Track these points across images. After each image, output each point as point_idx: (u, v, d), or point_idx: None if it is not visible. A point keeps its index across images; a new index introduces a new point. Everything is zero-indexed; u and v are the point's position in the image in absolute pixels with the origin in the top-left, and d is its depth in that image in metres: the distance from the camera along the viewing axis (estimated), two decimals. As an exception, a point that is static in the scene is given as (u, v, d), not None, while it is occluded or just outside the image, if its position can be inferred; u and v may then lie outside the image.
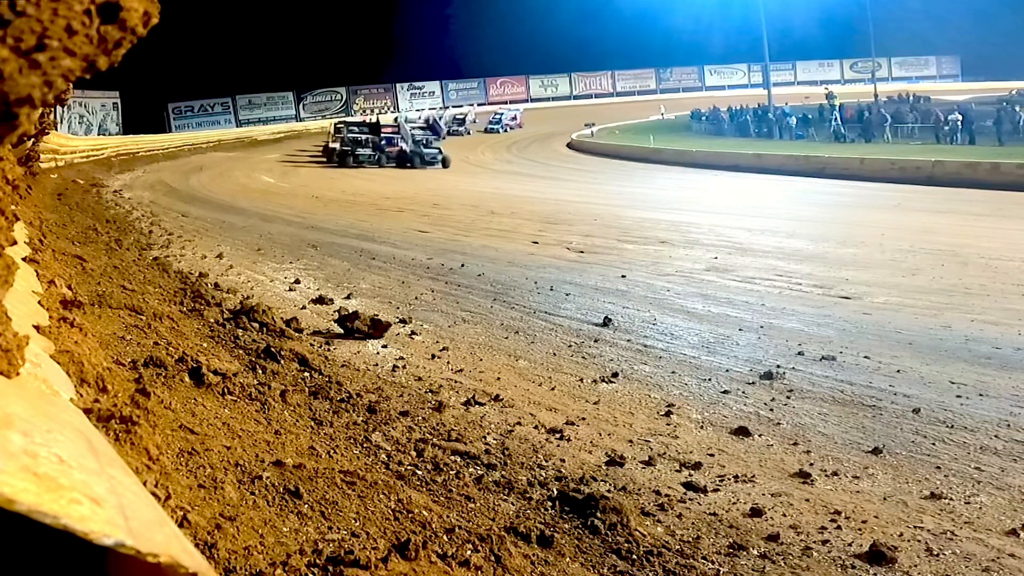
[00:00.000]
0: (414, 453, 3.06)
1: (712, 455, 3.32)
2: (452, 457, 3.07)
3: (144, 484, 1.56)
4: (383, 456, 2.99)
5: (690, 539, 2.60)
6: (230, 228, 11.01)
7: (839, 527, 2.72)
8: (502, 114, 44.87)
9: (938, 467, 3.19)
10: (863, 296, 6.46)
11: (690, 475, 3.12)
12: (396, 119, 33.81)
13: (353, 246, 9.20)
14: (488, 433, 3.46)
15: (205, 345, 4.27)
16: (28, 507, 0.61)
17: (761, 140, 30.64)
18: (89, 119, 38.57)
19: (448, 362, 4.63)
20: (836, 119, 29.30)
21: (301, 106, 51.75)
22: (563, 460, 3.20)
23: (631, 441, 3.46)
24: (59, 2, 0.75)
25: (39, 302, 2.63)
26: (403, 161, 25.46)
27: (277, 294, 6.51)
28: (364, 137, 26.89)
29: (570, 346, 5.03)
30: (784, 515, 2.80)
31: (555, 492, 2.82)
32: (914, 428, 3.61)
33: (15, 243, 1.31)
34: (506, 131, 41.27)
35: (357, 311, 5.24)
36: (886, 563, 2.48)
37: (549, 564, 2.29)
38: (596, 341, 5.12)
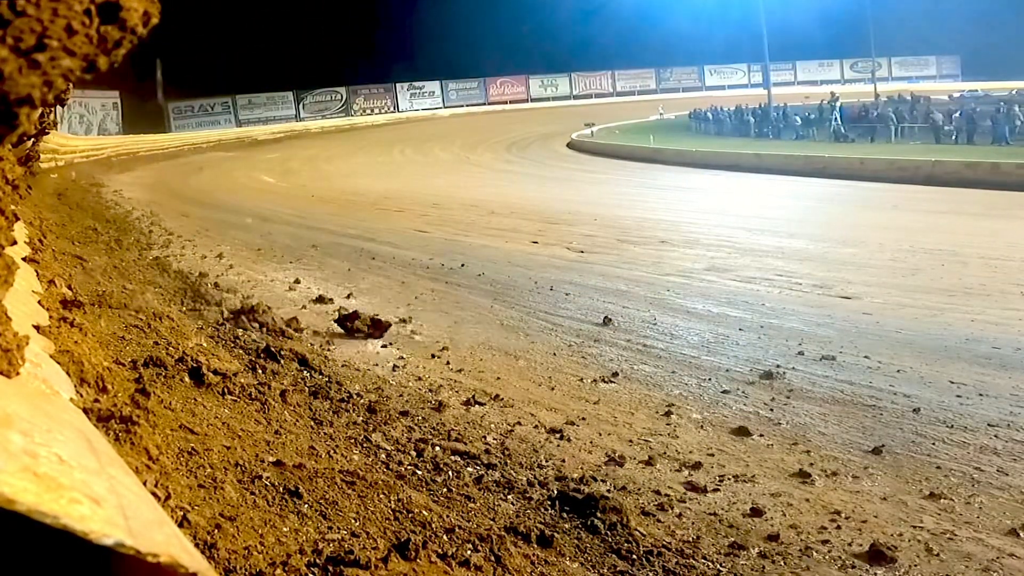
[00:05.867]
0: (414, 453, 3.06)
1: (712, 455, 3.32)
2: (452, 457, 3.07)
3: (144, 484, 1.56)
4: (383, 456, 2.99)
5: (690, 539, 2.60)
6: (230, 228, 11.01)
7: (839, 527, 2.72)
8: None
9: (938, 467, 3.19)
10: (863, 296, 6.46)
11: (690, 475, 3.12)
12: None
13: (353, 246, 9.20)
14: (488, 433, 3.46)
15: (205, 345, 4.27)
16: (28, 507, 0.61)
17: (761, 140, 30.60)
18: (89, 119, 38.55)
19: (448, 362, 4.63)
20: (836, 119, 29.25)
21: (301, 106, 51.74)
22: (563, 460, 3.20)
23: (631, 441, 3.46)
24: (59, 2, 0.75)
25: (39, 302, 2.64)
26: None
27: (277, 294, 6.51)
28: None
29: (570, 346, 5.03)
30: (784, 515, 2.80)
31: (555, 492, 2.81)
32: (914, 428, 3.61)
33: (15, 243, 1.31)
34: None
35: (357, 311, 5.24)
36: (886, 563, 2.48)
37: (549, 564, 2.29)
38: (596, 341, 5.12)
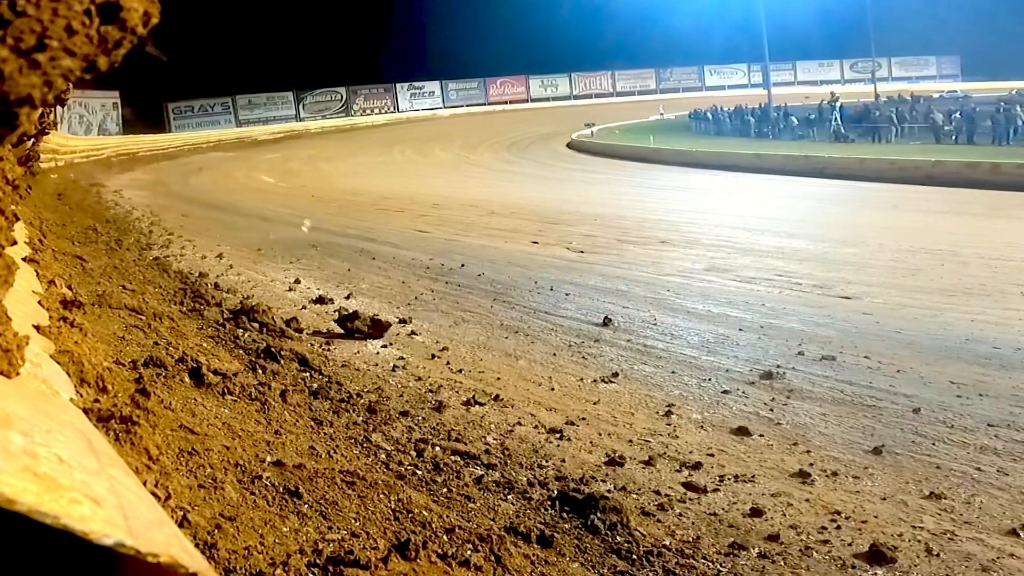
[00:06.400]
0: (414, 453, 3.06)
1: (712, 455, 3.32)
2: (452, 457, 3.07)
3: (144, 484, 1.56)
4: (383, 456, 2.99)
5: (690, 539, 2.60)
6: (230, 228, 11.01)
7: (839, 527, 2.72)
8: None
9: (938, 467, 3.19)
10: (863, 296, 6.46)
11: (690, 475, 3.12)
12: None
13: (353, 246, 9.20)
14: (488, 433, 3.46)
15: (205, 345, 4.27)
16: (28, 507, 0.61)
17: (761, 140, 30.59)
18: (89, 119, 38.52)
19: (448, 362, 4.63)
20: (836, 119, 29.22)
21: (301, 106, 51.70)
22: (563, 460, 3.20)
23: (631, 441, 3.47)
24: (59, 2, 0.75)
25: (39, 302, 2.64)
26: None
27: (277, 294, 6.51)
28: None
29: (570, 346, 5.03)
30: (784, 515, 2.80)
31: (555, 492, 2.82)
32: (914, 428, 3.61)
33: (15, 243, 1.31)
34: None
35: (357, 311, 5.24)
36: (886, 563, 2.48)
37: (549, 564, 2.29)
38: (596, 341, 5.12)
